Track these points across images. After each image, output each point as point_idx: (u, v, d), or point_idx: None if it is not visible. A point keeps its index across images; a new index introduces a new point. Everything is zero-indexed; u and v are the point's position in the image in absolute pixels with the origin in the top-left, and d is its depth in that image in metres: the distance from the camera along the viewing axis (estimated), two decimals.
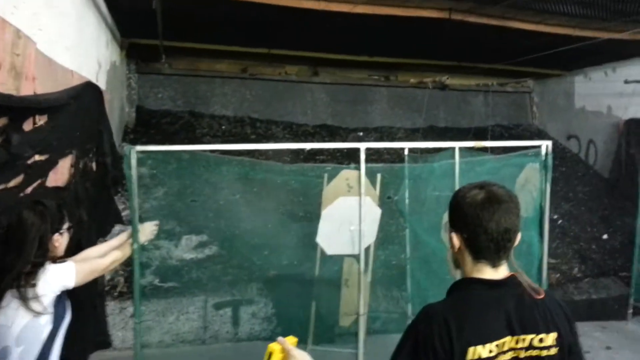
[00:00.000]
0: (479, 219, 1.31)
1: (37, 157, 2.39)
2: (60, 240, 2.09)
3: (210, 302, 4.11)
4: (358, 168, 3.58)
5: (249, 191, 4.92)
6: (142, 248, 4.04)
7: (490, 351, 1.27)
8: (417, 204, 4.20)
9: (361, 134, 7.81)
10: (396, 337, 1.40)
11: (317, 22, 5.05)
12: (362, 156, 3.40)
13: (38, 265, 1.94)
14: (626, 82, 7.20)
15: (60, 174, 2.88)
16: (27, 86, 2.28)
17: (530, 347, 1.31)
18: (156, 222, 2.86)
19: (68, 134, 2.95)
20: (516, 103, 9.56)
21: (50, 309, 1.95)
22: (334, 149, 6.28)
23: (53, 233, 2.03)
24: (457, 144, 3.67)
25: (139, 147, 2.75)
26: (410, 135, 8.21)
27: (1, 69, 1.95)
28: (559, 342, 1.34)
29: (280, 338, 1.38)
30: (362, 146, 3.40)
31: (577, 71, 8.40)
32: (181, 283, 4.14)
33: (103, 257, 2.39)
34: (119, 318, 4.06)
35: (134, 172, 2.78)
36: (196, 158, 3.16)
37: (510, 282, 1.36)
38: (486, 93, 9.18)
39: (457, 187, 4.07)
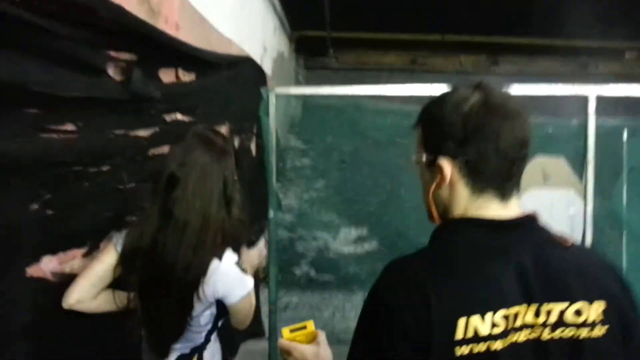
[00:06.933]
0: (489, 131, 0.91)
1: (179, 117, 2.20)
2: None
3: None
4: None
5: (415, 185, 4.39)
6: (299, 238, 3.80)
7: (495, 325, 0.82)
8: None
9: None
10: None
11: None
12: (592, 105, 2.52)
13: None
14: None
15: None
16: (169, 32, 2.06)
17: (560, 323, 0.85)
18: (262, 246, 2.10)
19: (220, 103, 2.77)
20: None
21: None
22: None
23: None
24: None
25: (278, 90, 2.45)
26: None
27: None
28: (609, 316, 0.86)
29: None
30: (592, 92, 2.50)
31: None
32: (338, 277, 3.78)
33: None
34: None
35: (272, 120, 2.46)
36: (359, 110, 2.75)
37: (527, 223, 0.94)
38: None
39: None
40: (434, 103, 1.00)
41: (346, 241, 3.98)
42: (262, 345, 3.40)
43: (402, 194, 4.51)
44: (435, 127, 0.97)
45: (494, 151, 0.91)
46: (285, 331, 1.21)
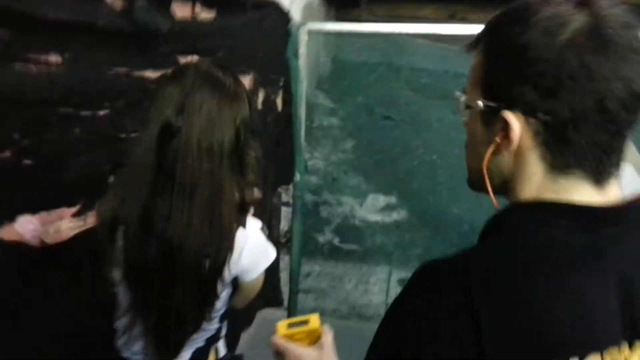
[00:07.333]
0: (595, 78, 0.56)
1: (196, 59, 1.90)
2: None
3: (395, 276, 3.41)
4: None
5: (450, 151, 4.05)
6: (323, 202, 3.54)
7: None
8: None
9: None
10: None
11: None
12: None
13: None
14: None
15: None
16: None
17: None
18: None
19: (245, 49, 2.45)
20: None
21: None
22: None
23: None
24: None
25: (310, 26, 2.14)
26: None
27: None
28: None
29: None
30: None
31: None
32: (363, 247, 3.52)
33: None
34: None
35: (302, 63, 2.13)
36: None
37: (633, 213, 0.62)
38: None
39: None
40: (510, 20, 0.64)
41: (373, 208, 3.70)
42: (279, 314, 3.20)
43: (434, 160, 4.20)
44: (508, 60, 0.62)
45: (596, 110, 0.57)
46: (282, 326, 0.94)
